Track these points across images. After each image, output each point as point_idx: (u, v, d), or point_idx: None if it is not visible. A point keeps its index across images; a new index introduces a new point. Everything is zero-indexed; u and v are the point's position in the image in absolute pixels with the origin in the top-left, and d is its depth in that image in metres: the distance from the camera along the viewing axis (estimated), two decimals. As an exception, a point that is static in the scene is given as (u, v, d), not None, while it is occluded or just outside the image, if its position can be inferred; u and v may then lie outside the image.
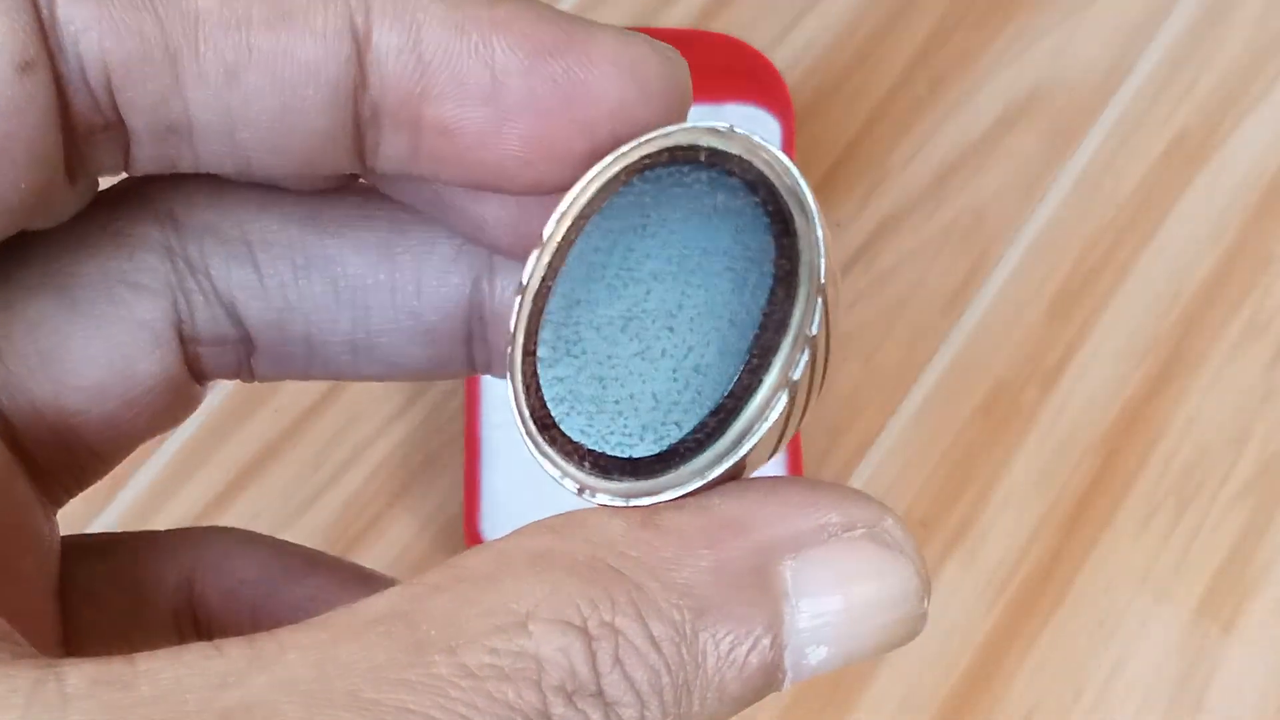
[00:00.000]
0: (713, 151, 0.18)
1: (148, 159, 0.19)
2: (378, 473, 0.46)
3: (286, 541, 0.24)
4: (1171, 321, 0.49)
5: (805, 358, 0.18)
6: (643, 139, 0.19)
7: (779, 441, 0.18)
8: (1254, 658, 0.44)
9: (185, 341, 0.21)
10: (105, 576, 0.22)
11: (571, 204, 0.19)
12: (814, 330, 0.18)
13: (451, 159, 0.19)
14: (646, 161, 0.18)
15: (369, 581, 0.24)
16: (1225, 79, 0.53)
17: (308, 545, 0.24)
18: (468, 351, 0.22)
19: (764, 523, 0.18)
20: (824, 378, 0.19)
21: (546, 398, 0.18)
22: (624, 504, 0.18)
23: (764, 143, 0.18)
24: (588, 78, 0.19)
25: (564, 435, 0.18)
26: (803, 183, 0.18)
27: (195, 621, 0.22)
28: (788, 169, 0.18)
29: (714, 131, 0.18)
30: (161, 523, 0.45)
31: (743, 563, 0.17)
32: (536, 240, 0.19)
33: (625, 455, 0.18)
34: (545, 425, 0.18)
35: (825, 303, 0.18)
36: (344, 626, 0.16)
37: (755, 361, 0.18)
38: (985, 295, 0.49)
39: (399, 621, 0.16)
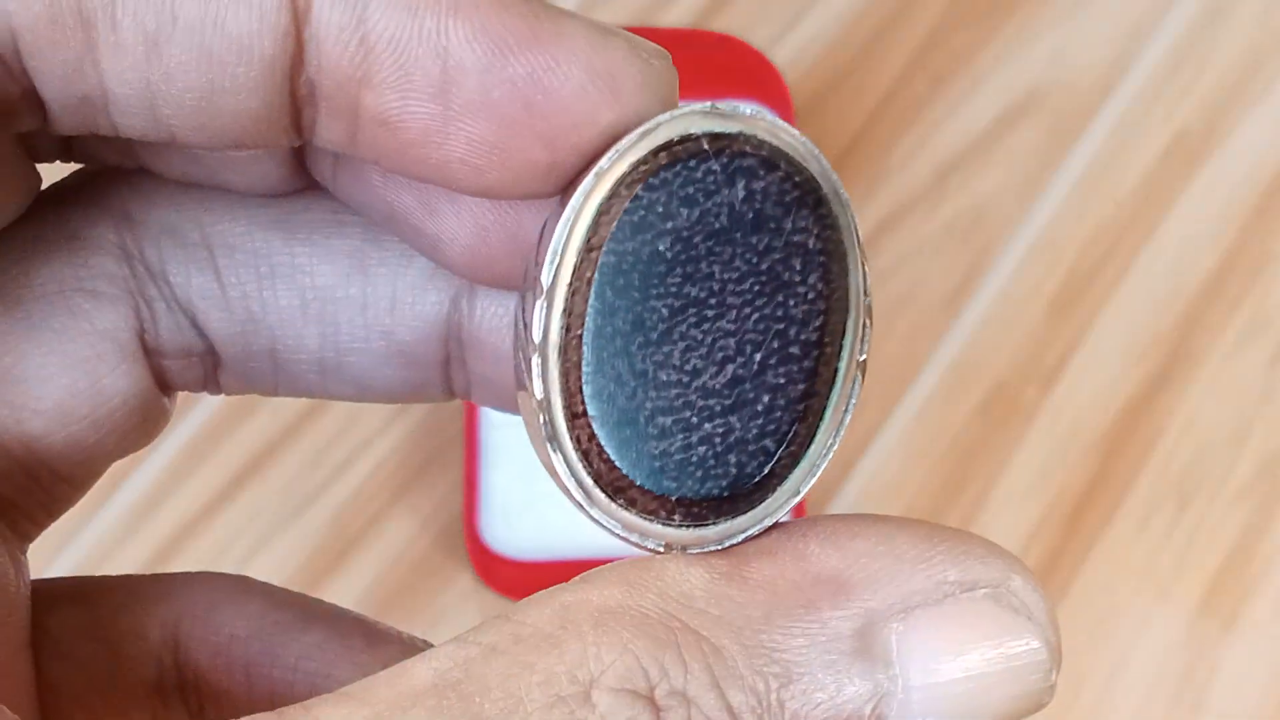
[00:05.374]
0: (714, 136, 0.16)
1: (66, 126, 0.17)
2: (378, 473, 0.46)
3: (280, 589, 0.22)
4: (1171, 321, 0.49)
5: (869, 331, 0.16)
6: (624, 144, 0.16)
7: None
8: (1254, 656, 0.44)
9: (149, 353, 0.19)
10: (81, 627, 0.20)
11: (569, 237, 0.16)
12: (869, 298, 0.16)
13: (392, 152, 0.17)
14: (645, 169, 0.16)
15: (372, 635, 0.21)
16: (1225, 78, 0.53)
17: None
18: (444, 375, 0.20)
19: (869, 580, 0.16)
20: None
21: (614, 458, 0.16)
22: (719, 547, 0.16)
23: (755, 110, 0.16)
24: (553, 83, 0.16)
25: (645, 492, 0.16)
26: (808, 141, 0.16)
27: (181, 679, 0.20)
28: (788, 129, 0.16)
29: (704, 114, 0.16)
30: (160, 523, 0.45)
31: (842, 625, 0.15)
32: (516, 277, 0.17)
33: (719, 494, 0.16)
34: (619, 488, 0.16)
35: (867, 265, 0.17)
36: (388, 700, 0.14)
37: (828, 349, 0.16)
38: (985, 294, 0.49)
39: (450, 692, 0.14)
